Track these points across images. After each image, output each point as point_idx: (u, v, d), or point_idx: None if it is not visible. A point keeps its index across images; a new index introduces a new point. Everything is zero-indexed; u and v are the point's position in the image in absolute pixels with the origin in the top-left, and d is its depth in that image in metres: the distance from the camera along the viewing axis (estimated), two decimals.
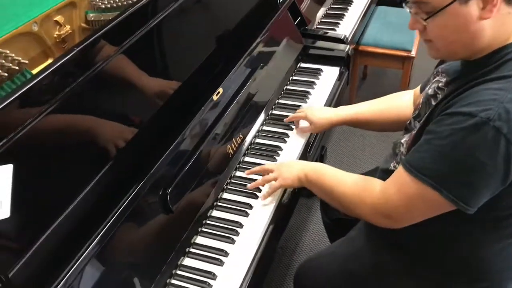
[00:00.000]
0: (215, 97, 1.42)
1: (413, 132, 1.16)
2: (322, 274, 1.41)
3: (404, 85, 2.67)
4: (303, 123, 1.64)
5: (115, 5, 1.29)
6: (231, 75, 1.50)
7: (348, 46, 2.03)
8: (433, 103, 1.15)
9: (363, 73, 3.24)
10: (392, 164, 1.26)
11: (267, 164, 1.46)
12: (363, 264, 1.32)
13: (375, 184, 1.19)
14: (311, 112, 1.60)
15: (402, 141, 1.24)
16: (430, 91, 1.20)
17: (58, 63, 0.98)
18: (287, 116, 1.71)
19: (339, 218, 1.62)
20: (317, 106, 1.73)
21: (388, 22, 2.78)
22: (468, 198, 1.00)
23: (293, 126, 1.67)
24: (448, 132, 0.98)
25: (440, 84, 1.17)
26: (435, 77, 1.25)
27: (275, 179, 1.37)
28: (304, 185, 1.35)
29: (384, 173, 1.25)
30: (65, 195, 1.02)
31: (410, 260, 1.24)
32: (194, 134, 1.34)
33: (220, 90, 1.44)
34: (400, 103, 1.50)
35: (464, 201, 0.99)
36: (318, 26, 2.32)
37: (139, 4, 1.20)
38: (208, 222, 1.33)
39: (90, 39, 1.05)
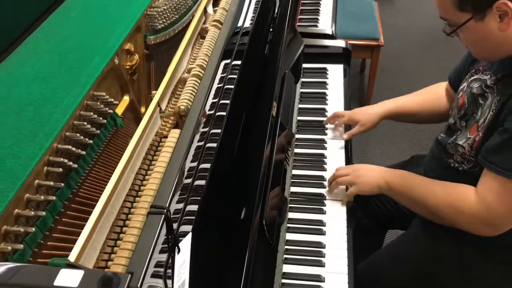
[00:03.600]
0: (274, 113, 1.31)
1: (478, 135, 1.16)
2: (390, 277, 1.39)
3: (373, 74, 2.70)
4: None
5: (167, 22, 1.13)
6: (276, 87, 1.40)
7: (344, 41, 2.00)
8: (481, 101, 1.17)
9: None
10: (451, 162, 1.26)
11: (339, 167, 1.40)
12: (443, 262, 1.31)
13: (468, 192, 1.16)
14: (353, 113, 1.55)
15: (461, 142, 1.21)
16: (476, 90, 1.20)
17: None
18: (316, 121, 1.65)
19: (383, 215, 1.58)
20: (354, 109, 1.64)
21: (349, 12, 2.79)
22: None
23: (326, 131, 1.62)
24: None
25: (488, 83, 1.17)
26: (473, 75, 1.25)
27: (351, 183, 1.33)
28: (384, 192, 1.31)
29: (444, 170, 1.27)
30: None
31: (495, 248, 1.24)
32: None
33: (274, 104, 1.34)
34: (441, 93, 1.50)
35: None
36: (299, 24, 2.26)
37: None
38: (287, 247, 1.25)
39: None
